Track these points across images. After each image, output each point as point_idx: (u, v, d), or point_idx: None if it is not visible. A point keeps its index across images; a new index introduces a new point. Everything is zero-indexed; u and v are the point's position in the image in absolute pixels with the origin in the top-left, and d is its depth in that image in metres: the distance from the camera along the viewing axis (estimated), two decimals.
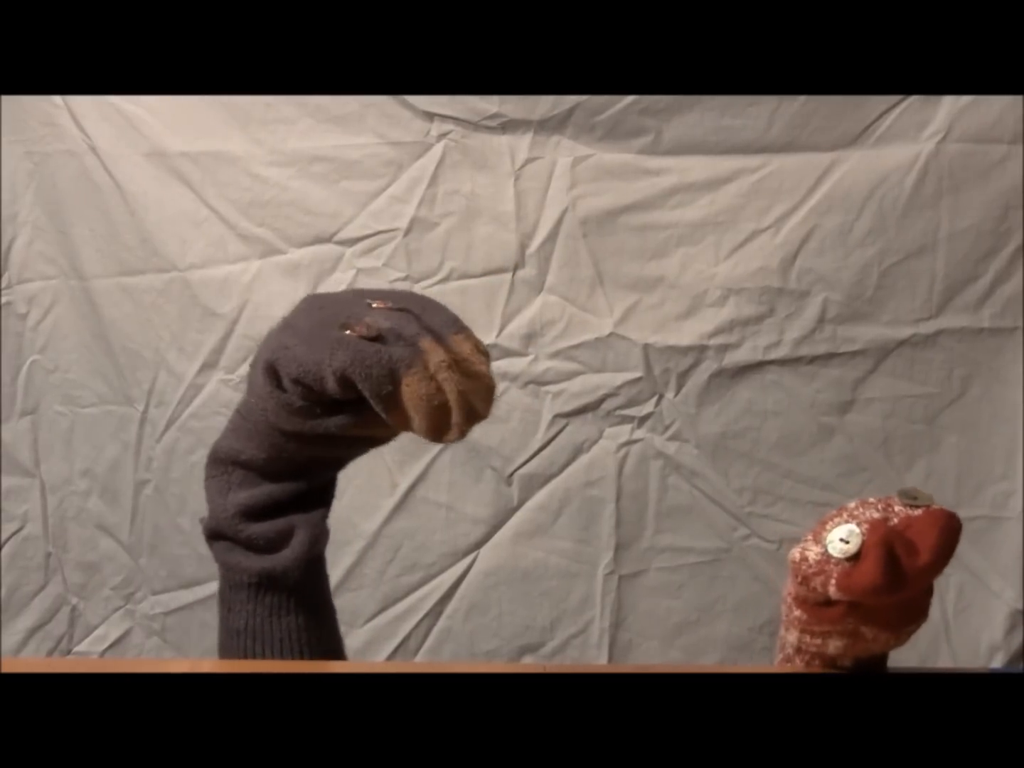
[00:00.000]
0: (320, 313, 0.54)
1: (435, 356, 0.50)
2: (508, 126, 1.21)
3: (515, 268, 1.22)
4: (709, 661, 1.20)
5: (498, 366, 1.22)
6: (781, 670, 0.57)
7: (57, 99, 1.26)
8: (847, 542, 0.49)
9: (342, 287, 1.24)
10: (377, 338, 0.51)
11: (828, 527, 0.51)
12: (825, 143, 1.17)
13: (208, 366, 1.25)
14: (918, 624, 0.53)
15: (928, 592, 0.52)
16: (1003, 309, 1.16)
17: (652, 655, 1.20)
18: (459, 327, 0.53)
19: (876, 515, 0.49)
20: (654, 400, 1.21)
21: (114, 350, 1.27)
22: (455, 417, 0.50)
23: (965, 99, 1.13)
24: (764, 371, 1.19)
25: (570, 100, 1.19)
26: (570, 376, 1.22)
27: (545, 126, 1.21)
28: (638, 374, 1.21)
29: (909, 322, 1.17)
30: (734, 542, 1.20)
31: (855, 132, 1.16)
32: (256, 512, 0.58)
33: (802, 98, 1.16)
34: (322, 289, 1.24)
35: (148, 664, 0.58)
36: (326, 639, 0.62)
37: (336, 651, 0.63)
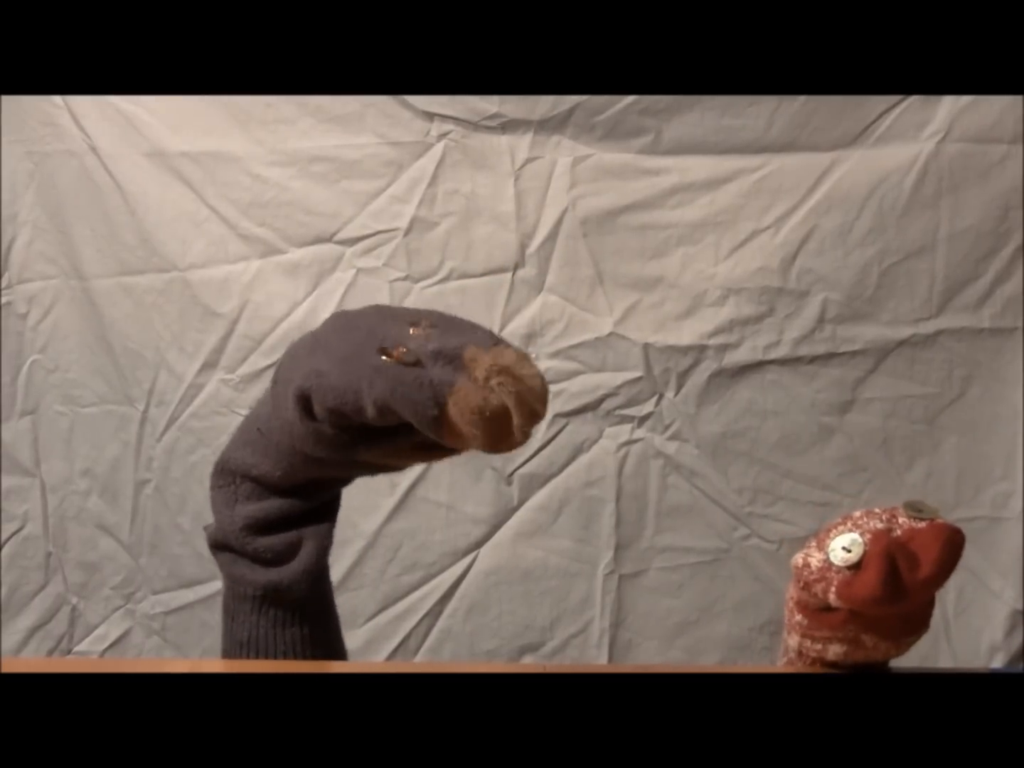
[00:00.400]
0: (353, 335, 0.53)
1: (483, 363, 0.49)
2: (508, 126, 1.21)
3: (515, 268, 1.22)
4: (709, 661, 1.20)
5: None
6: (781, 670, 0.57)
7: (57, 99, 1.26)
8: (849, 551, 0.49)
9: (342, 287, 1.24)
10: (416, 363, 0.50)
11: (832, 535, 0.51)
12: (825, 143, 1.17)
13: (208, 366, 1.25)
14: (919, 635, 0.53)
15: (930, 604, 0.52)
16: (1003, 309, 1.16)
17: (652, 655, 1.20)
18: (496, 339, 0.52)
19: (880, 525, 0.49)
20: (654, 400, 1.21)
21: (114, 350, 1.27)
22: (516, 420, 0.48)
23: (965, 99, 1.13)
24: (764, 371, 1.19)
25: (570, 100, 1.19)
26: (570, 376, 1.22)
27: (545, 126, 1.20)
28: (638, 374, 1.21)
29: (909, 322, 1.17)
30: (734, 542, 1.20)
31: (855, 132, 1.16)
32: (264, 525, 0.58)
33: (802, 98, 1.16)
34: (322, 289, 1.24)
35: (148, 664, 0.58)
36: (330, 650, 0.61)
37: (339, 660, 0.63)
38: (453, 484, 1.23)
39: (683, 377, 1.20)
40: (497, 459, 1.22)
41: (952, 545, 0.48)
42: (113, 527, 1.29)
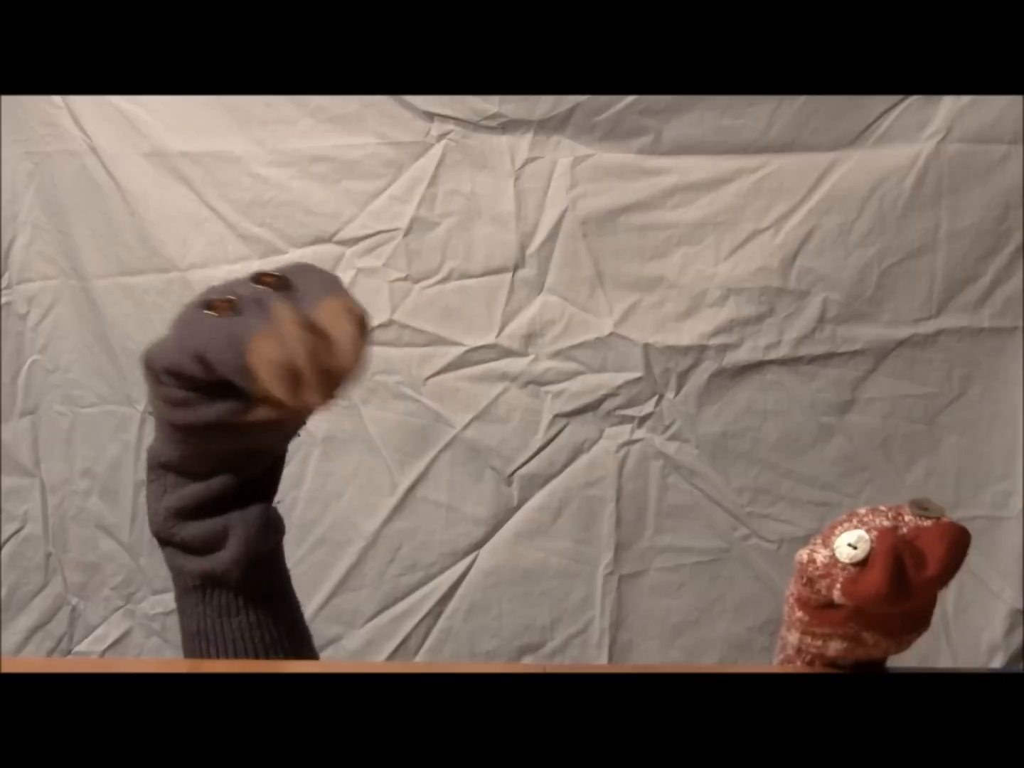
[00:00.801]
0: (195, 299, 0.52)
1: (282, 314, 0.47)
2: (508, 126, 1.21)
3: (515, 268, 1.22)
4: (709, 661, 1.20)
5: (498, 366, 1.22)
6: (781, 670, 0.57)
7: (57, 99, 1.26)
8: (855, 547, 0.49)
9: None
10: (234, 310, 0.49)
11: (838, 531, 0.51)
12: (825, 143, 1.17)
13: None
14: (919, 633, 0.53)
15: (932, 602, 0.52)
16: (1003, 309, 1.16)
17: (652, 655, 1.20)
18: (332, 290, 0.51)
19: (886, 523, 0.49)
20: (654, 400, 1.21)
21: (114, 350, 1.27)
22: (305, 374, 0.46)
23: (965, 99, 1.13)
24: (764, 371, 1.19)
25: (570, 100, 1.19)
26: (570, 376, 1.22)
27: (545, 126, 1.20)
28: (638, 374, 1.21)
29: (909, 322, 1.17)
30: (734, 542, 1.20)
31: (855, 132, 1.16)
32: (187, 513, 0.57)
33: (802, 98, 1.16)
34: None
35: (148, 664, 0.58)
36: (284, 636, 0.61)
37: (298, 647, 0.63)
38: (453, 484, 1.23)
39: (683, 377, 1.20)
40: (497, 459, 1.22)
41: (958, 544, 0.48)
42: (113, 527, 1.29)
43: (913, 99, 1.15)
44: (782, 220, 1.18)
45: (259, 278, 0.52)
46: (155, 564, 1.27)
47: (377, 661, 1.22)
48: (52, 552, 1.31)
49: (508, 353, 1.22)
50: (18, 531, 1.31)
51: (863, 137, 1.16)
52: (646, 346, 1.20)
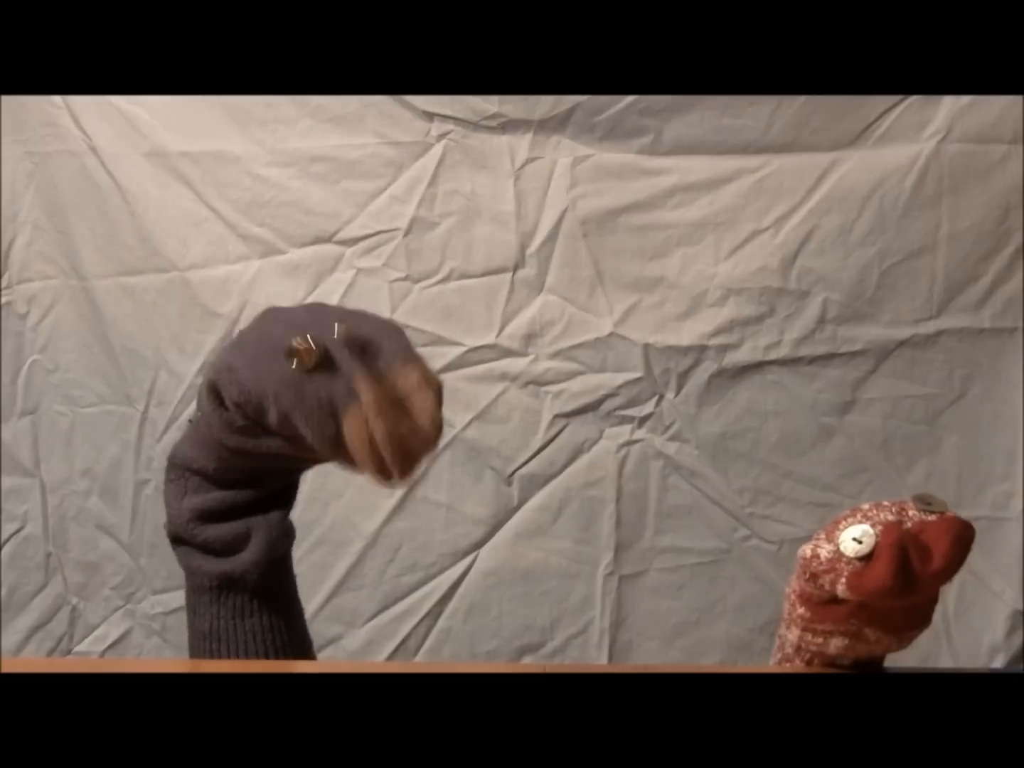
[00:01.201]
0: (270, 331, 0.53)
1: (366, 398, 0.49)
2: (508, 126, 1.21)
3: (515, 268, 1.22)
4: (709, 662, 1.20)
5: (498, 366, 1.22)
6: (781, 670, 0.57)
7: (57, 99, 1.26)
8: (860, 542, 0.49)
9: (342, 287, 1.24)
10: (319, 367, 0.50)
11: (842, 527, 0.51)
12: (825, 143, 1.17)
13: (208, 366, 1.25)
14: (921, 630, 0.53)
15: (933, 599, 0.52)
16: (1004, 309, 1.16)
17: (652, 656, 1.20)
18: (407, 357, 0.53)
19: (890, 518, 0.50)
20: (654, 400, 1.21)
21: (114, 350, 1.27)
22: (388, 460, 0.49)
23: (965, 99, 1.13)
24: (764, 371, 1.19)
25: (570, 100, 1.19)
26: (570, 376, 1.22)
27: (545, 126, 1.20)
28: (638, 374, 1.21)
29: (909, 322, 1.17)
30: (734, 543, 1.20)
31: (855, 132, 1.16)
32: (211, 515, 0.58)
33: (802, 98, 1.16)
34: (322, 289, 1.24)
35: (148, 664, 0.58)
36: (292, 640, 0.62)
37: (303, 651, 0.63)
38: (453, 484, 1.23)
39: (683, 378, 1.20)
40: (497, 459, 1.22)
41: (963, 538, 0.48)
42: (113, 527, 1.29)
43: (913, 99, 1.15)
44: (782, 220, 1.18)
45: (341, 332, 0.52)
46: (155, 564, 1.27)
47: (377, 661, 1.22)
48: (52, 552, 1.31)
49: (508, 353, 1.22)
50: (18, 531, 1.31)
51: (863, 137, 1.16)
52: (646, 346, 1.20)
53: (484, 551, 1.23)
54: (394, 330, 0.55)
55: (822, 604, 0.52)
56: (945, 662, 1.17)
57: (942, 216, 1.15)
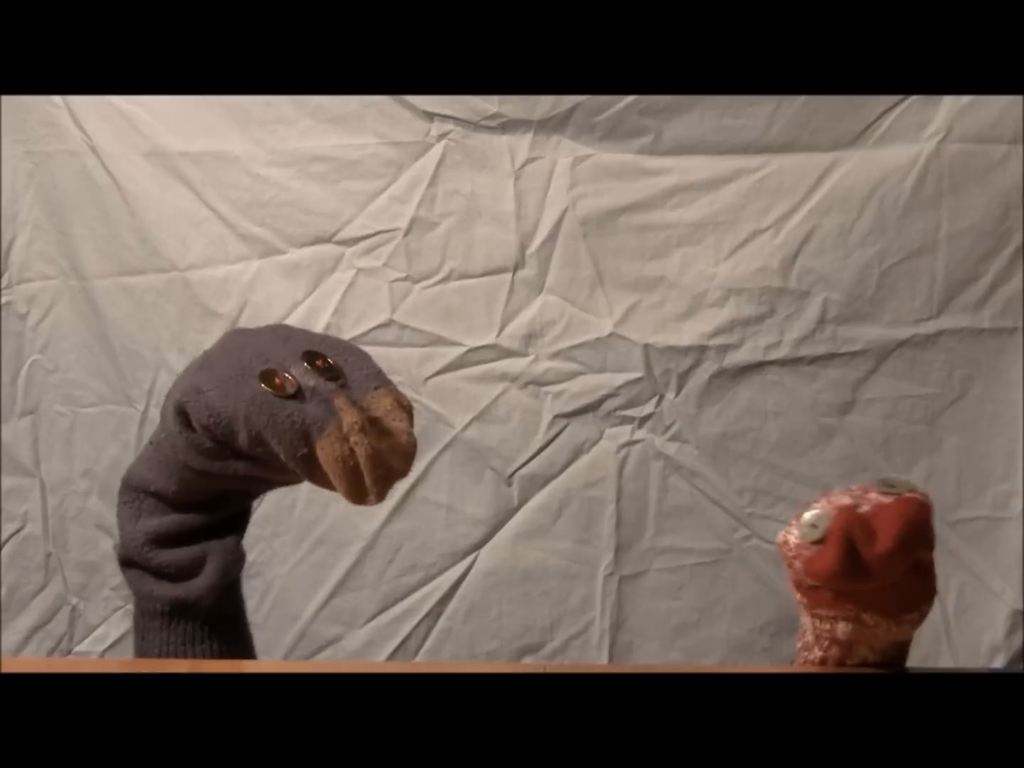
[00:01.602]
0: (240, 356, 0.53)
1: (348, 417, 0.49)
2: (508, 126, 1.21)
3: (515, 268, 1.22)
4: (709, 662, 1.20)
5: (498, 366, 1.22)
6: (780, 670, 0.57)
7: (57, 99, 1.26)
8: (816, 527, 0.49)
9: (342, 287, 1.24)
10: (294, 395, 0.50)
11: (806, 512, 0.51)
12: (825, 143, 1.17)
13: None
14: (920, 612, 0.52)
15: (923, 580, 0.52)
16: (1004, 309, 1.16)
17: (652, 656, 1.20)
18: (380, 381, 0.53)
19: (847, 501, 0.49)
20: (654, 400, 1.21)
21: (114, 350, 1.27)
22: (367, 480, 0.49)
23: (965, 99, 1.13)
24: (764, 371, 1.19)
25: (570, 100, 1.19)
26: (570, 376, 1.22)
27: (545, 126, 1.20)
28: (638, 374, 1.21)
29: (909, 322, 1.17)
30: (734, 543, 1.20)
31: (855, 132, 1.16)
32: (166, 539, 0.58)
33: (802, 98, 1.16)
34: (322, 289, 1.24)
35: (148, 664, 0.58)
36: None
37: None
38: (453, 485, 1.23)
39: (683, 378, 1.20)
40: (497, 460, 1.22)
41: (911, 519, 0.47)
42: (113, 527, 1.28)
43: (913, 99, 1.15)
44: (782, 220, 1.18)
45: (311, 360, 0.53)
46: None
47: (377, 661, 1.21)
48: (52, 552, 1.30)
49: (508, 353, 1.22)
50: (18, 531, 1.31)
51: (863, 137, 1.16)
52: (646, 346, 1.20)
53: (484, 551, 1.23)
54: (363, 355, 0.56)
55: (810, 589, 0.52)
56: (945, 662, 1.17)
57: (942, 216, 1.15)
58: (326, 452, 0.49)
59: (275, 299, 1.24)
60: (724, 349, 1.19)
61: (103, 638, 1.29)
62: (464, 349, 1.22)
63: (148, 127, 1.25)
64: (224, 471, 0.55)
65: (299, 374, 0.52)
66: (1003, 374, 1.16)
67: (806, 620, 0.55)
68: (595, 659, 1.21)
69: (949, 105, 1.14)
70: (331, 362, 0.53)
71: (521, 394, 1.22)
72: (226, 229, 1.24)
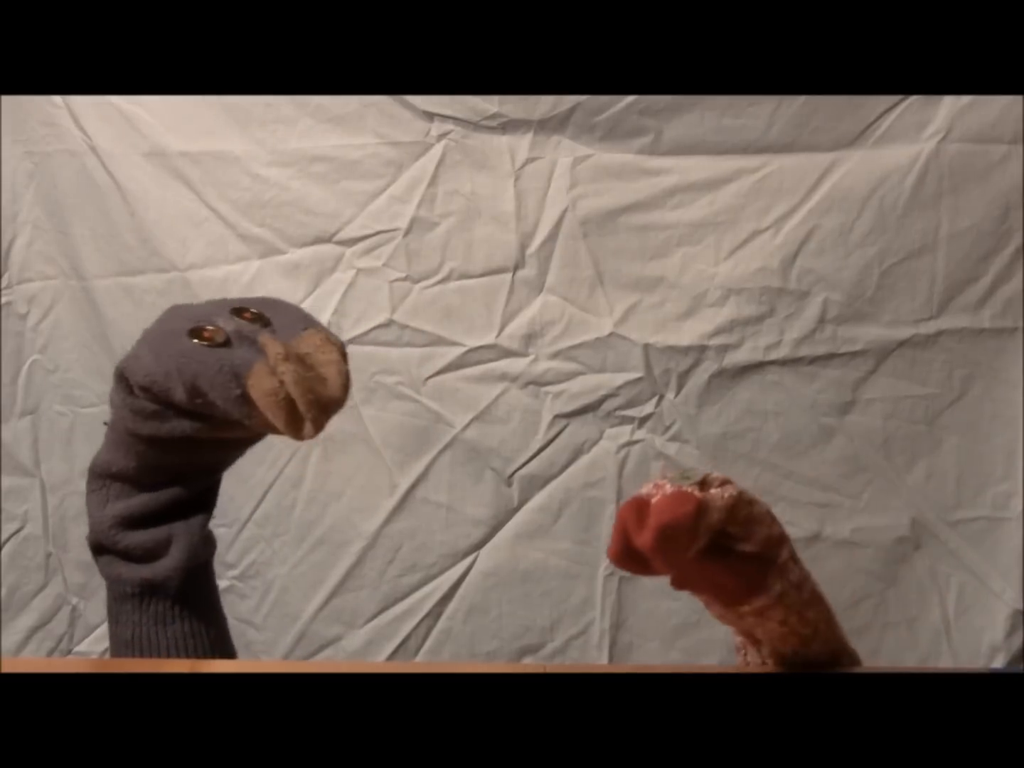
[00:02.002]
0: (172, 321, 0.55)
1: (272, 349, 0.50)
2: (508, 126, 1.21)
3: (515, 268, 1.22)
4: (709, 662, 1.20)
5: (498, 367, 1.22)
6: (781, 670, 0.57)
7: (57, 99, 1.26)
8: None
9: (342, 287, 1.24)
10: (225, 343, 0.52)
11: None
12: (825, 143, 1.17)
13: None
14: (751, 605, 0.52)
15: (741, 573, 0.51)
16: (1004, 309, 1.16)
17: (652, 656, 1.20)
18: (308, 323, 0.54)
19: (643, 492, 0.50)
20: (654, 400, 1.21)
21: (114, 350, 1.27)
22: (300, 406, 0.49)
23: (965, 99, 1.13)
24: (764, 371, 1.19)
25: (570, 100, 1.19)
26: (570, 376, 1.22)
27: (545, 126, 1.20)
28: (638, 374, 1.21)
29: (909, 322, 1.17)
30: None
31: (855, 132, 1.16)
32: (132, 522, 0.59)
33: (802, 98, 1.16)
34: (322, 289, 1.24)
35: (148, 664, 0.58)
36: (215, 646, 0.62)
37: (226, 657, 0.63)
38: (453, 485, 1.23)
39: (683, 378, 1.20)
40: (497, 460, 1.22)
41: (668, 512, 0.47)
42: None
43: (913, 99, 1.15)
44: (782, 220, 1.18)
45: (239, 313, 0.55)
46: None
47: (377, 661, 1.21)
48: (52, 552, 1.31)
49: (508, 353, 1.22)
50: (18, 531, 1.31)
51: (863, 137, 1.16)
52: (646, 346, 1.20)
53: (484, 552, 1.23)
54: (293, 306, 0.57)
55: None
56: (945, 662, 1.17)
57: (942, 216, 1.15)
58: (256, 388, 0.50)
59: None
60: (724, 349, 1.19)
61: (103, 638, 1.29)
62: (464, 349, 1.22)
63: (148, 127, 1.25)
64: (172, 433, 0.55)
65: (226, 324, 0.53)
66: (1003, 374, 1.16)
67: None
68: (595, 659, 1.21)
69: (949, 105, 1.14)
70: (258, 312, 0.55)
71: (521, 394, 1.22)
72: (226, 229, 1.25)
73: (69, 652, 1.30)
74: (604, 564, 1.21)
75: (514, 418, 1.22)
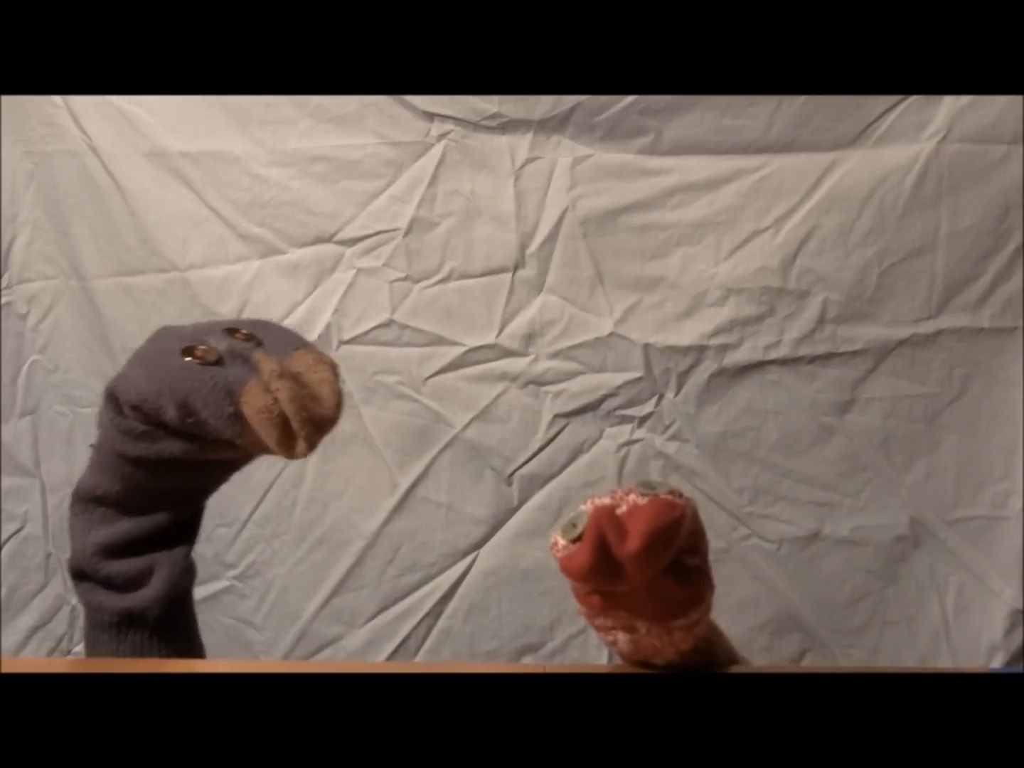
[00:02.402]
0: (162, 341, 0.55)
1: (267, 367, 0.50)
2: (508, 126, 1.21)
3: (515, 268, 1.22)
4: None
5: (498, 366, 1.22)
6: (781, 669, 0.57)
7: (57, 99, 1.26)
8: (575, 526, 0.48)
9: (342, 287, 1.24)
10: (217, 362, 0.52)
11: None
12: (825, 143, 1.17)
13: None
14: (688, 619, 0.51)
15: (687, 585, 0.50)
16: (1003, 309, 1.16)
17: None
18: (299, 343, 0.54)
19: (607, 502, 0.49)
20: (654, 400, 1.21)
21: (114, 350, 1.27)
22: (293, 424, 0.49)
23: (965, 99, 1.13)
24: (764, 371, 1.19)
25: (570, 100, 1.19)
26: (570, 376, 1.22)
27: (545, 126, 1.20)
28: (638, 374, 1.21)
29: (909, 322, 1.17)
30: (734, 542, 1.20)
31: (855, 132, 1.16)
32: (115, 550, 0.58)
33: (802, 98, 1.16)
34: (322, 289, 1.24)
35: (148, 664, 0.58)
36: None
37: None
38: (453, 484, 1.23)
39: (683, 377, 1.20)
40: (497, 459, 1.22)
41: (659, 519, 0.46)
42: None
43: (913, 99, 1.15)
44: (782, 220, 1.18)
45: (230, 333, 0.55)
46: None
47: (377, 661, 1.21)
48: (52, 552, 1.31)
49: (508, 353, 1.22)
50: (18, 531, 1.31)
51: (863, 137, 1.16)
52: (646, 346, 1.20)
53: (484, 551, 1.23)
54: (283, 327, 0.57)
55: (586, 597, 0.50)
56: (944, 661, 1.17)
57: (942, 216, 1.15)
58: (250, 405, 0.50)
59: (275, 299, 1.24)
60: (724, 349, 1.19)
61: None
62: (464, 349, 1.22)
63: (148, 127, 1.25)
64: (161, 454, 0.55)
65: (219, 343, 0.53)
66: (1002, 373, 1.16)
67: (595, 634, 0.54)
68: (595, 659, 1.21)
69: (949, 105, 1.14)
70: (249, 333, 0.55)
71: (521, 394, 1.22)
72: (226, 229, 1.25)
73: (69, 652, 1.30)
74: None
75: (514, 417, 1.22)
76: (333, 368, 0.53)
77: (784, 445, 1.19)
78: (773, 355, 1.19)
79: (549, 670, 0.56)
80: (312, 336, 1.23)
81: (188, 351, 0.53)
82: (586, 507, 0.49)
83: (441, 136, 1.22)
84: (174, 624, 0.60)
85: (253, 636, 1.25)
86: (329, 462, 1.24)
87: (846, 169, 1.17)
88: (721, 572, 1.29)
